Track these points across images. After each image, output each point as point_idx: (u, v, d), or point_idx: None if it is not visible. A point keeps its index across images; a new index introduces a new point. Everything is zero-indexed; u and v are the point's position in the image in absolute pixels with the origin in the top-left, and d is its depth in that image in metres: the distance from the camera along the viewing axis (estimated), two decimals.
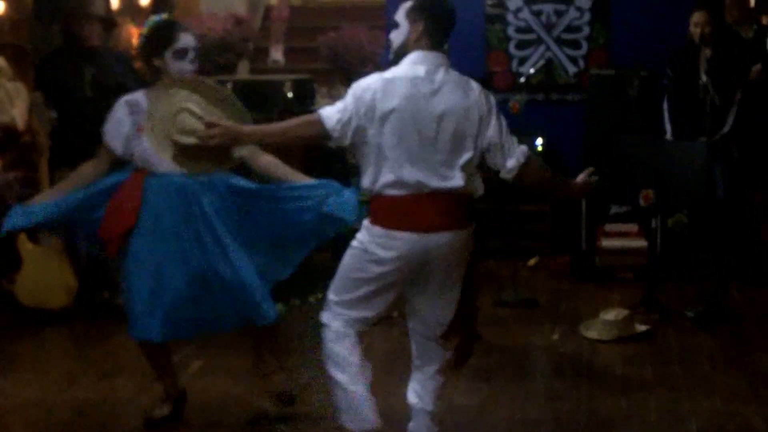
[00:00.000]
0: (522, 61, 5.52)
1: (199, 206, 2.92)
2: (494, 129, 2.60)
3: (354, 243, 2.65)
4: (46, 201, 2.99)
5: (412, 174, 2.55)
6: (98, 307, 4.37)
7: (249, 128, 2.70)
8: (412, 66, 2.59)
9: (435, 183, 2.56)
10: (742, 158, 4.50)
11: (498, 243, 4.87)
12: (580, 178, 2.75)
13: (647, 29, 5.22)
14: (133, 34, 5.36)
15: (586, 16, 5.45)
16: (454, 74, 2.63)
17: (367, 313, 2.68)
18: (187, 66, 2.90)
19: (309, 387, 3.38)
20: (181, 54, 2.89)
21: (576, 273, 4.94)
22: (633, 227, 4.86)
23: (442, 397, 2.79)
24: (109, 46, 4.78)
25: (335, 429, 2.78)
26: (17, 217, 2.95)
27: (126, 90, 3.13)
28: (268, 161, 3.02)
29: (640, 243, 4.71)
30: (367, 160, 2.59)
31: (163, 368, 3.11)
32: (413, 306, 2.72)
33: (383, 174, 2.56)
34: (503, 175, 2.63)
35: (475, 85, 2.64)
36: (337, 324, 2.68)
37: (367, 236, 2.62)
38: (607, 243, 4.90)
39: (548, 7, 5.48)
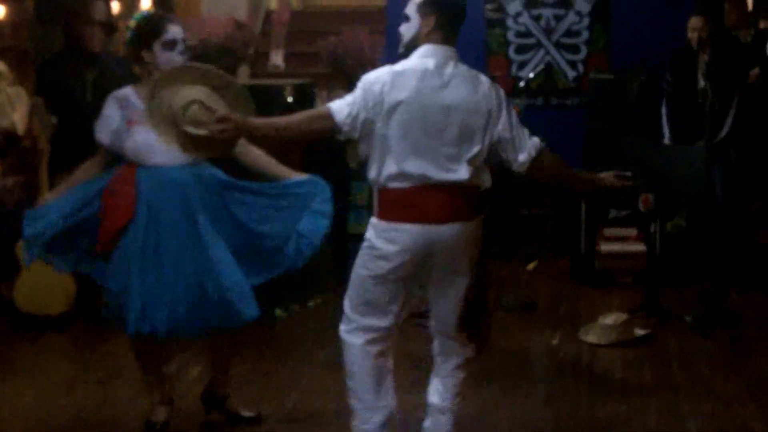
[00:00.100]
0: (522, 66, 5.53)
1: (190, 199, 2.91)
2: (504, 123, 2.59)
3: (363, 243, 2.65)
4: (52, 202, 2.98)
5: (415, 166, 2.54)
6: (97, 312, 4.37)
7: (260, 121, 2.70)
8: (422, 59, 2.59)
9: (439, 175, 2.55)
10: (741, 162, 4.50)
11: (497, 246, 4.87)
12: (610, 176, 2.72)
13: (646, 33, 5.23)
14: None
15: (586, 21, 5.46)
16: (463, 68, 2.63)
17: (381, 320, 2.64)
18: (176, 57, 2.90)
19: (309, 391, 3.38)
20: (171, 45, 2.89)
21: (575, 276, 4.94)
22: (632, 231, 4.86)
23: (462, 395, 2.76)
24: (110, 51, 4.79)
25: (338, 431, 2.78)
26: (33, 227, 2.93)
27: None
28: (256, 154, 3.03)
29: (639, 247, 4.71)
30: (373, 151, 2.59)
31: (156, 370, 3.09)
32: (431, 303, 2.70)
33: (387, 165, 2.56)
34: (515, 168, 2.62)
35: (484, 79, 2.64)
36: (357, 341, 2.65)
37: (372, 232, 2.62)
38: (606, 247, 4.90)
39: (548, 12, 5.49)
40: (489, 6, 5.51)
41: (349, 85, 6.29)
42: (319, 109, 2.69)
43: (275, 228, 2.97)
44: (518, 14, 5.50)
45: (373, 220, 2.63)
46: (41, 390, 3.52)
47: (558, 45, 5.50)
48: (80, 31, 4.51)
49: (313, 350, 3.88)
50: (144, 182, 2.91)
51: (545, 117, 5.36)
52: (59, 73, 4.49)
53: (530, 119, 4.77)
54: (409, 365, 3.30)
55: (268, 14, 7.15)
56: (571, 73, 5.49)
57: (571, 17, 5.47)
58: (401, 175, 2.55)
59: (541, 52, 5.51)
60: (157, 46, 2.88)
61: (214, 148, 2.77)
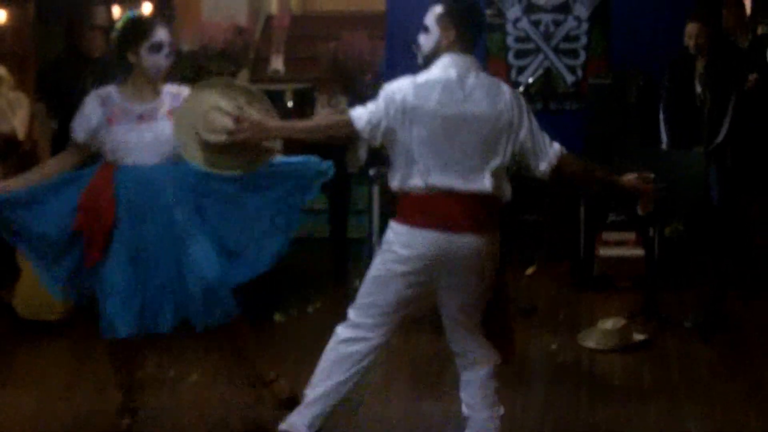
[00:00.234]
0: (521, 70, 5.54)
1: (167, 197, 2.90)
2: (525, 132, 2.61)
3: (382, 246, 2.66)
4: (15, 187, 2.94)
5: (440, 179, 2.56)
6: (96, 318, 4.37)
7: (278, 123, 2.72)
8: (444, 70, 2.60)
9: (463, 185, 2.56)
10: (739, 166, 4.51)
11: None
12: (634, 179, 2.71)
13: (645, 38, 5.24)
14: None
15: (584, 26, 5.47)
16: (484, 78, 2.64)
17: (375, 328, 2.65)
18: (162, 60, 2.91)
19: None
20: (157, 48, 2.90)
21: (574, 281, 4.94)
22: (630, 235, 4.86)
23: (498, 403, 2.75)
24: (111, 55, 4.80)
25: None
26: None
27: None
28: None
29: (638, 251, 4.72)
30: (397, 161, 2.61)
31: (129, 375, 3.09)
32: (444, 314, 2.70)
33: (412, 178, 2.57)
34: (538, 176, 2.64)
35: (506, 89, 2.65)
36: (343, 334, 2.66)
37: (391, 235, 2.63)
38: (604, 251, 4.90)
39: (547, 17, 5.50)
40: (488, 11, 5.51)
41: (349, 90, 6.36)
42: (339, 115, 2.72)
43: (255, 224, 2.95)
44: (517, 19, 5.51)
45: (392, 222, 2.64)
46: (40, 395, 3.52)
47: (557, 50, 5.51)
48: (81, 36, 4.53)
49: (313, 355, 3.86)
50: (122, 182, 2.90)
51: (544, 122, 5.27)
52: (60, 77, 4.51)
53: None
54: (408, 371, 3.31)
55: (268, 19, 7.17)
56: (570, 78, 5.50)
57: (570, 22, 5.48)
58: (427, 188, 2.57)
59: (540, 57, 5.52)
60: (143, 49, 2.89)
61: (239, 161, 2.76)
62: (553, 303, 4.68)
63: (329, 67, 6.22)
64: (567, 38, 5.48)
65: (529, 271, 5.14)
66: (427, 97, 2.56)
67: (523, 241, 5.05)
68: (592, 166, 2.76)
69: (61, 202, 2.92)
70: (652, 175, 2.76)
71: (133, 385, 3.12)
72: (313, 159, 2.95)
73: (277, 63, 6.75)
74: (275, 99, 4.90)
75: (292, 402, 3.11)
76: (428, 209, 2.56)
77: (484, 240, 2.59)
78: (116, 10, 5.26)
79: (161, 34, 2.91)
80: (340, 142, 2.76)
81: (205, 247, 2.91)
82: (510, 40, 5.52)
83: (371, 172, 5.01)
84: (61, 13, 4.78)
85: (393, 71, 5.54)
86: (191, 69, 5.38)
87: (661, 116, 4.70)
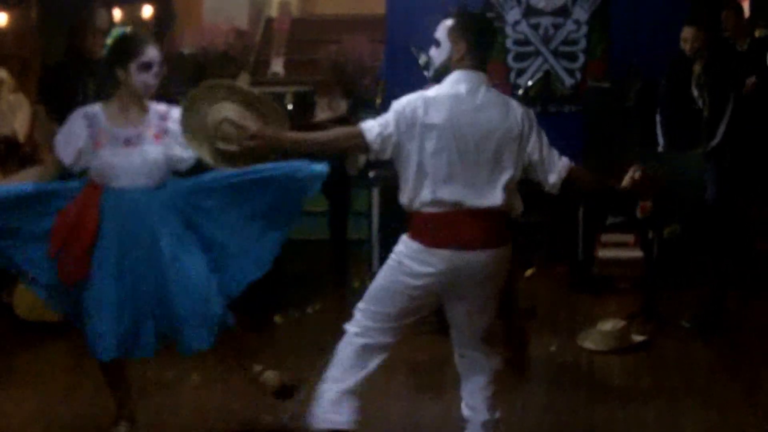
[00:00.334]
0: (520, 73, 5.56)
1: (153, 222, 2.90)
2: (535, 146, 2.64)
3: (392, 255, 2.67)
4: None
5: (450, 193, 2.57)
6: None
7: (290, 135, 2.75)
8: (454, 85, 2.63)
9: (473, 201, 2.58)
10: (736, 168, 4.52)
11: None
12: (638, 174, 2.75)
13: (644, 41, 5.26)
14: None
15: (584, 29, 5.49)
16: (495, 94, 2.67)
17: (386, 332, 2.67)
18: (150, 80, 2.91)
19: (309, 399, 3.39)
20: (147, 67, 2.89)
21: (573, 283, 4.96)
22: (629, 237, 4.88)
23: (497, 407, 2.78)
24: None
25: None
26: None
27: None
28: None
29: (637, 253, 4.73)
30: (406, 176, 2.62)
31: (121, 386, 3.09)
32: (452, 318, 2.73)
33: (422, 192, 2.59)
34: (547, 189, 2.68)
35: (515, 104, 2.68)
36: (352, 330, 2.68)
37: (404, 249, 2.64)
38: (604, 253, 4.91)
39: (546, 20, 5.52)
40: (488, 15, 5.54)
41: (348, 93, 6.36)
42: (349, 127, 2.73)
43: (246, 231, 2.94)
44: (517, 23, 5.54)
45: (405, 237, 2.65)
46: (40, 396, 3.53)
47: (556, 53, 5.53)
48: (82, 39, 4.55)
49: (313, 357, 3.88)
50: (108, 205, 2.89)
51: (543, 124, 5.31)
52: (61, 80, 4.53)
53: None
54: (408, 371, 3.32)
55: (269, 22, 7.20)
56: (569, 81, 5.53)
57: (570, 26, 5.51)
58: (436, 203, 2.58)
59: (540, 60, 5.55)
60: (132, 67, 2.88)
61: (248, 161, 2.80)
62: (553, 304, 4.69)
63: (329, 70, 6.24)
64: (566, 41, 5.51)
65: (529, 272, 5.15)
66: (437, 111, 2.58)
67: (523, 243, 5.06)
68: (598, 177, 2.80)
69: (35, 224, 2.89)
70: (657, 167, 2.80)
71: (126, 396, 3.11)
72: (304, 163, 2.95)
73: (278, 66, 6.77)
74: (275, 102, 4.95)
75: (284, 390, 3.12)
76: (441, 228, 2.58)
77: (497, 254, 2.63)
78: (117, 14, 5.28)
79: (152, 53, 2.91)
80: (349, 154, 2.78)
81: (195, 267, 2.90)
82: (509, 43, 5.55)
83: (371, 174, 5.04)
84: (63, 16, 4.80)
85: (393, 74, 5.59)
86: (192, 71, 5.41)
87: (658, 119, 4.72)
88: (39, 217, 2.89)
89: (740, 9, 4.94)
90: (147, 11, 5.79)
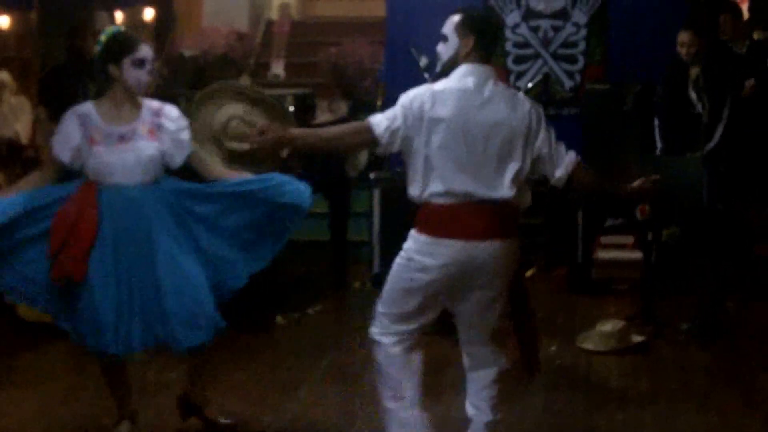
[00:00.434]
0: (520, 76, 5.58)
1: (149, 219, 2.91)
2: (543, 140, 2.65)
3: (401, 253, 2.68)
4: None
5: (460, 184, 2.58)
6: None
7: (300, 133, 2.77)
8: (462, 78, 2.64)
9: (483, 193, 2.59)
10: (733, 171, 4.53)
11: None
12: (639, 182, 2.78)
13: (643, 44, 5.28)
14: None
15: (583, 32, 5.51)
16: (502, 87, 2.69)
17: (412, 326, 2.69)
18: (144, 76, 2.92)
19: (313, 404, 3.40)
20: (140, 63, 2.91)
21: (572, 285, 4.97)
22: (628, 239, 4.89)
23: (500, 407, 2.79)
24: None
25: None
26: None
27: None
28: (218, 169, 3.05)
29: (636, 255, 4.75)
30: (415, 169, 2.63)
31: (122, 386, 3.10)
32: (460, 315, 2.74)
33: (432, 184, 2.60)
34: (553, 183, 2.70)
35: (522, 98, 2.70)
36: (387, 341, 2.69)
37: (412, 245, 2.65)
38: (603, 254, 4.93)
39: (546, 23, 5.54)
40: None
41: (348, 95, 6.35)
42: (358, 123, 2.74)
43: (237, 239, 2.96)
44: (516, 25, 5.55)
45: (414, 233, 2.66)
46: (42, 397, 3.53)
47: (555, 55, 5.55)
48: (83, 42, 4.56)
49: (314, 359, 3.90)
50: (105, 202, 2.90)
51: None
52: (63, 84, 4.54)
53: None
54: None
55: (269, 25, 7.22)
56: (568, 83, 5.54)
57: (569, 28, 5.53)
58: (447, 194, 2.60)
59: (539, 63, 5.57)
60: (126, 63, 2.90)
61: (258, 162, 2.82)
62: (551, 306, 4.69)
63: (329, 73, 6.27)
64: (565, 44, 5.53)
65: (528, 274, 5.16)
66: (444, 104, 2.59)
67: (522, 244, 5.05)
68: (602, 177, 2.82)
69: (32, 228, 2.88)
70: (654, 177, 2.81)
71: (127, 395, 3.12)
72: (290, 182, 2.95)
73: (278, 68, 6.80)
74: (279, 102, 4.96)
75: (227, 429, 3.11)
76: (449, 219, 2.60)
77: (505, 245, 2.64)
78: (119, 16, 5.30)
79: (145, 50, 2.93)
80: (359, 149, 2.78)
81: (189, 266, 2.91)
82: (509, 46, 5.56)
83: (372, 176, 5.05)
84: (63, 19, 4.82)
85: (393, 76, 5.60)
86: (193, 74, 5.42)
87: (656, 122, 4.74)
88: (35, 223, 2.90)
89: (739, 12, 4.96)
90: (148, 14, 5.81)
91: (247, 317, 4.17)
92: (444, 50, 2.68)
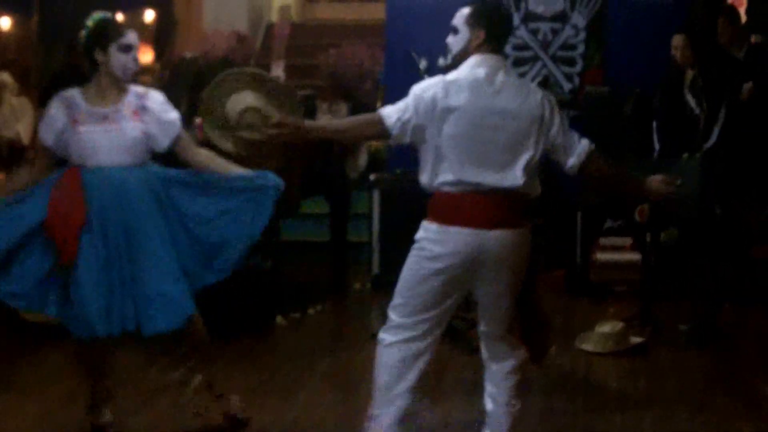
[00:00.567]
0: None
1: (130, 201, 2.92)
2: (556, 129, 2.66)
3: (413, 245, 2.68)
4: None
5: (471, 174, 2.59)
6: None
7: (313, 125, 2.78)
8: (473, 69, 2.65)
9: (494, 182, 2.60)
10: (730, 173, 4.54)
11: None
12: (661, 180, 2.77)
13: (642, 47, 5.30)
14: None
15: (582, 35, 5.53)
16: (514, 77, 2.70)
17: (421, 324, 2.66)
18: (130, 62, 2.94)
19: (312, 407, 3.40)
20: (126, 49, 2.93)
21: (571, 287, 4.98)
22: (627, 241, 4.90)
23: (519, 399, 2.79)
24: None
25: None
26: None
27: None
28: (204, 155, 3.04)
29: (635, 256, 4.76)
30: (426, 158, 2.64)
31: (102, 370, 3.09)
32: (478, 304, 2.73)
33: (442, 173, 2.61)
34: (566, 171, 2.70)
35: (534, 87, 2.72)
36: (393, 338, 2.67)
37: (423, 234, 2.65)
38: (601, 256, 4.94)
39: (545, 26, 5.56)
40: None
41: (348, 98, 6.35)
42: (369, 114, 2.75)
43: (219, 231, 2.96)
44: (516, 28, 5.57)
45: (425, 223, 2.67)
46: (43, 400, 3.53)
47: (555, 58, 5.57)
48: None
49: (314, 360, 3.91)
50: (89, 184, 2.91)
51: None
52: (64, 86, 4.55)
53: None
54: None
55: (269, 27, 7.24)
56: (567, 86, 5.56)
57: (568, 31, 5.54)
58: (457, 183, 2.61)
59: (539, 65, 5.58)
60: (112, 48, 2.91)
61: (264, 155, 2.83)
62: (551, 308, 4.68)
63: (329, 75, 6.28)
64: (564, 46, 5.54)
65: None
66: (456, 94, 2.60)
67: None
68: (619, 167, 2.80)
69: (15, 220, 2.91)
70: (679, 180, 2.79)
71: (105, 375, 3.11)
72: (264, 176, 2.96)
73: (278, 71, 6.81)
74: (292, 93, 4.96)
75: (235, 421, 3.11)
76: (459, 207, 2.60)
77: (516, 234, 2.64)
78: (119, 18, 5.32)
79: (132, 37, 2.95)
80: (373, 140, 2.77)
81: (166, 249, 2.91)
82: (508, 48, 5.57)
83: (371, 177, 5.07)
84: (63, 23, 4.83)
85: (392, 79, 5.62)
86: (193, 76, 5.44)
87: (654, 126, 4.76)
88: (18, 227, 2.91)
89: (737, 16, 4.98)
90: (149, 16, 5.83)
91: (247, 318, 4.19)
92: (454, 42, 2.69)
